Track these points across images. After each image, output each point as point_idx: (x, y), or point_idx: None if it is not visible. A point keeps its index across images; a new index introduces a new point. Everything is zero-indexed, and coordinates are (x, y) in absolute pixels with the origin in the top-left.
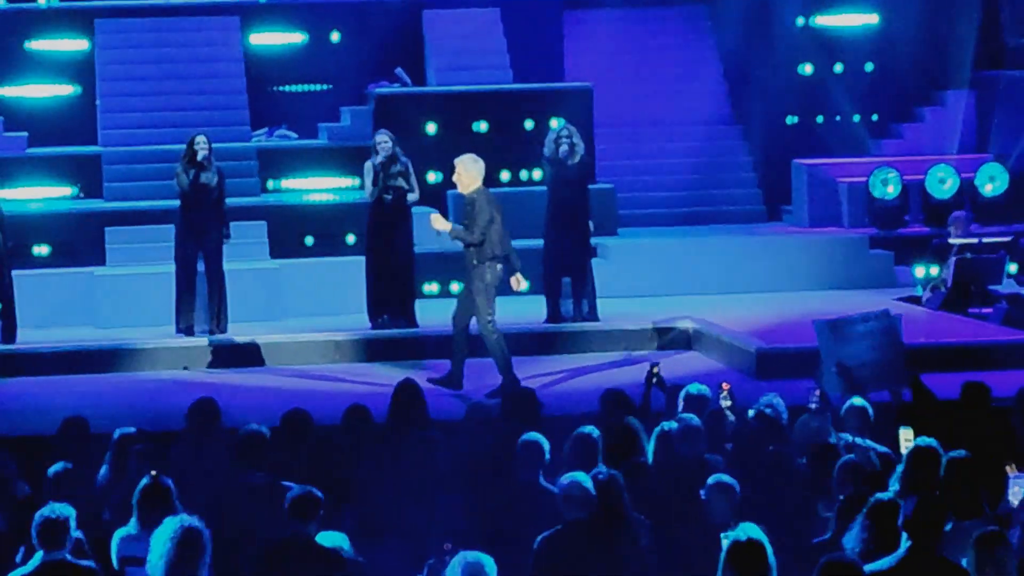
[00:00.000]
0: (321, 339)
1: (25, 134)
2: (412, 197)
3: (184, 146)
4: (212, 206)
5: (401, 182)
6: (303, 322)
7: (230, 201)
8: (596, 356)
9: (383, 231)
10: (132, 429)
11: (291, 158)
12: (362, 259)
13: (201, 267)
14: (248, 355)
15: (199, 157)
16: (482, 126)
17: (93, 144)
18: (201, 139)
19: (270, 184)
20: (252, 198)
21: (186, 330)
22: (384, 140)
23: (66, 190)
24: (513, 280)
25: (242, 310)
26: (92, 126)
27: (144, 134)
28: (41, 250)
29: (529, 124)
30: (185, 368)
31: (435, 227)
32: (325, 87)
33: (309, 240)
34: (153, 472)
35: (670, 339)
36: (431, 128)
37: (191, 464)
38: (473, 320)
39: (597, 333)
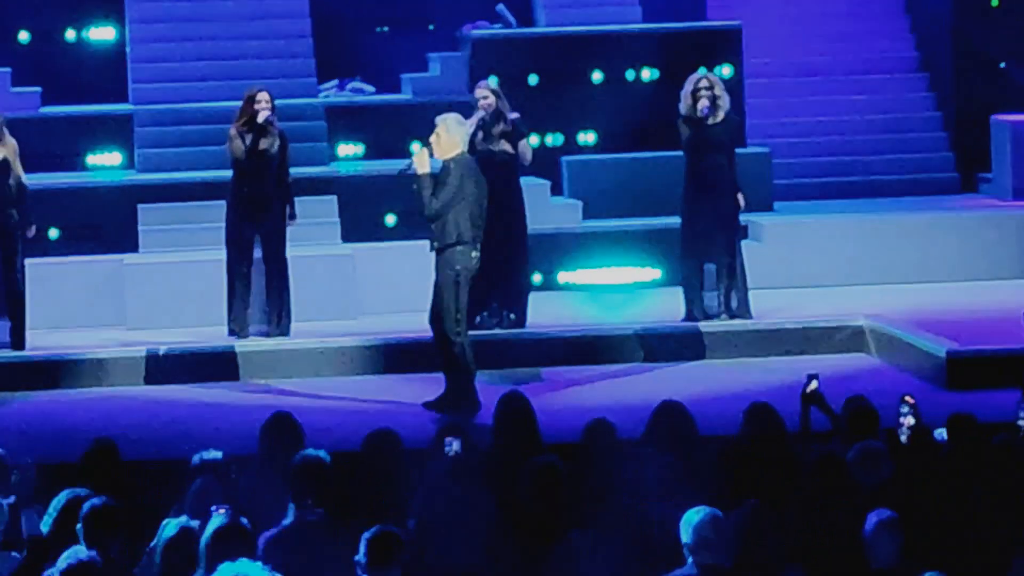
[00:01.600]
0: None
1: (38, 89)
2: (525, 159)
3: (239, 104)
4: (273, 178)
5: (505, 146)
6: (383, 321)
7: (293, 171)
8: (746, 362)
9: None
10: (218, 454)
11: (367, 117)
12: None
13: (258, 253)
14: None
15: (260, 118)
16: (595, 75)
17: (122, 101)
18: (263, 95)
19: (342, 150)
20: (319, 168)
21: (239, 332)
22: (485, 95)
23: (105, 158)
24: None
25: (308, 307)
26: (121, 78)
27: (185, 89)
28: (55, 233)
29: (658, 74)
30: None
31: (415, 161)
32: (409, 29)
33: (390, 219)
34: (222, 509)
35: (839, 341)
36: (534, 79)
37: (260, 497)
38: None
39: (748, 334)
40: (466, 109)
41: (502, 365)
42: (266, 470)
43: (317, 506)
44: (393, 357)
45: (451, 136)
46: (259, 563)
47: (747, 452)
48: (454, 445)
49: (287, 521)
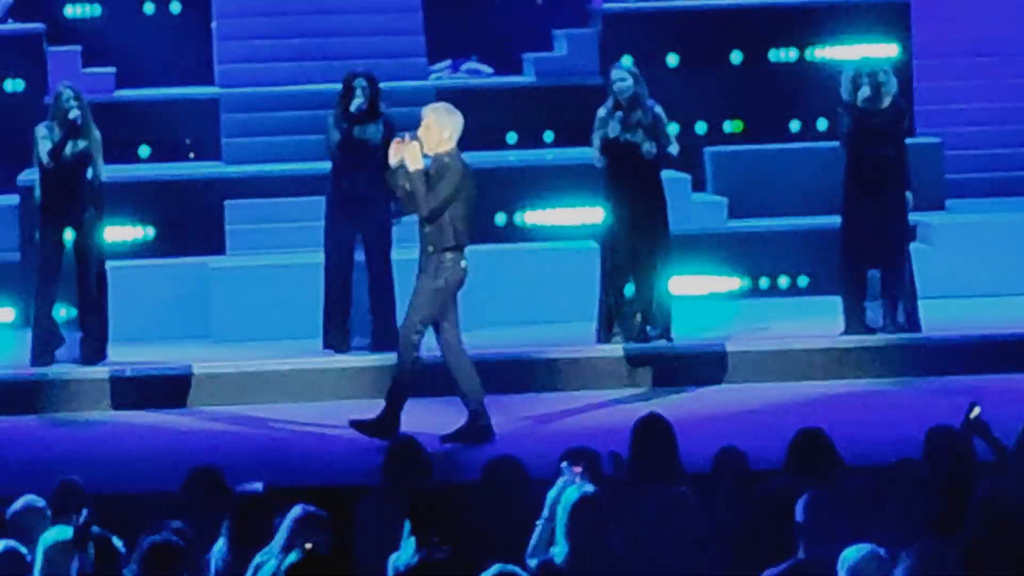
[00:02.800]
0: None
1: (112, 70)
2: (672, 149)
3: (338, 86)
4: (376, 172)
5: (643, 136)
6: (506, 334)
7: None
8: (913, 381)
9: (622, 202)
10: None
11: (485, 101)
12: (592, 245)
13: (360, 256)
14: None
15: (353, 105)
16: (740, 56)
17: (207, 84)
18: (360, 82)
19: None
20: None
21: (337, 346)
22: (623, 77)
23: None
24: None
25: None
26: (206, 59)
27: (280, 70)
28: (134, 233)
29: (818, 54)
30: None
31: (406, 155)
32: (532, 2)
33: (515, 217)
34: (308, 545)
35: (1021, 358)
36: (673, 59)
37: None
38: (451, 334)
39: (917, 350)
40: (597, 94)
41: (641, 383)
42: (389, 499)
43: (444, 542)
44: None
45: (441, 126)
46: None
47: (925, 483)
48: (576, 474)
49: (412, 559)
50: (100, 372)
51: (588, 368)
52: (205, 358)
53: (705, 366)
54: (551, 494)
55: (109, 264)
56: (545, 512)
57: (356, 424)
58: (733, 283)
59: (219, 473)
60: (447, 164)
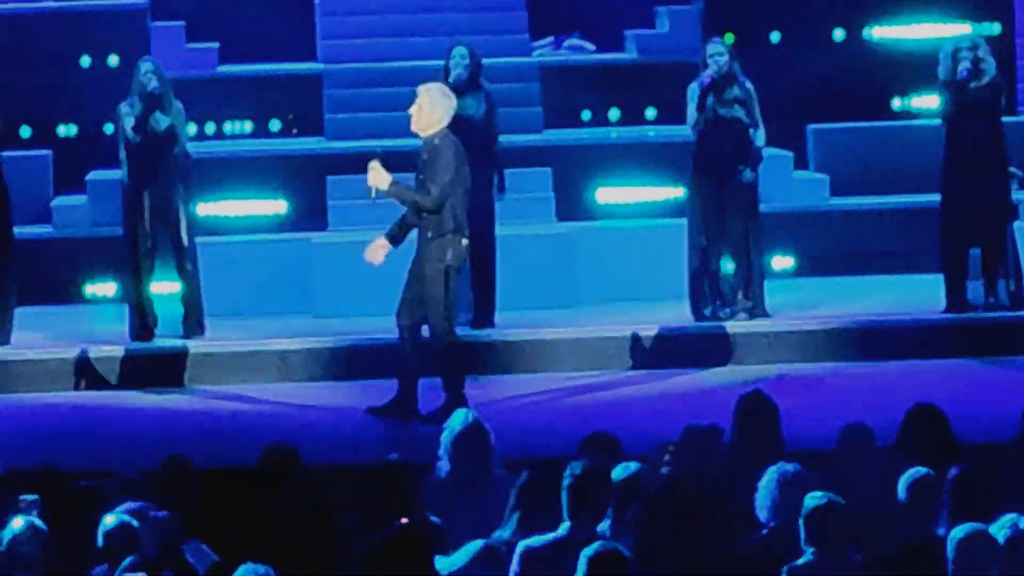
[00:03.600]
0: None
1: (215, 46)
2: (757, 137)
3: (440, 62)
4: (476, 147)
5: (739, 112)
6: (604, 311)
7: (502, 140)
8: (1016, 360)
9: (716, 179)
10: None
11: (587, 79)
12: (686, 222)
13: None
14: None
15: (452, 76)
16: (841, 32)
17: (310, 60)
18: (459, 50)
19: (555, 116)
20: (533, 136)
21: None
22: (719, 52)
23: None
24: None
25: (519, 294)
26: (309, 34)
27: (382, 46)
28: (236, 208)
29: (918, 32)
30: None
31: (369, 182)
32: None
33: (602, 196)
34: (404, 520)
35: None
36: (774, 36)
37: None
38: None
39: (1021, 328)
40: (692, 70)
41: (736, 361)
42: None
43: (596, 520)
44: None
45: (434, 107)
46: None
47: None
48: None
49: (561, 534)
50: (201, 346)
51: (684, 346)
52: (306, 333)
53: (803, 344)
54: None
55: (213, 239)
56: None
57: (431, 416)
58: (832, 260)
59: (295, 451)
60: (439, 147)
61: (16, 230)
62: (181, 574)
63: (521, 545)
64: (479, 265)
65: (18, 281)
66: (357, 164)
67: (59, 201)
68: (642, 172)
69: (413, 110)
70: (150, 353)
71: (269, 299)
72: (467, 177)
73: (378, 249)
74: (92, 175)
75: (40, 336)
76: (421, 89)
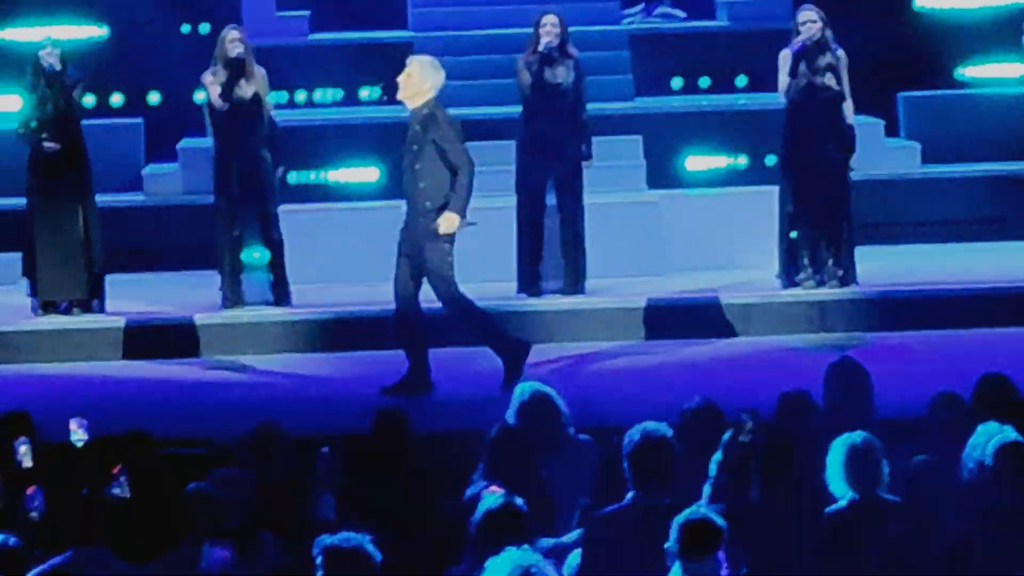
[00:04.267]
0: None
1: (306, 14)
2: (845, 107)
3: (530, 31)
4: (567, 115)
5: (831, 80)
6: (691, 280)
7: (592, 108)
8: None
9: (807, 146)
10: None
11: (677, 47)
12: (777, 189)
13: (552, 200)
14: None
15: (541, 45)
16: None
17: (400, 28)
18: (549, 18)
19: (646, 84)
20: (623, 103)
21: (529, 290)
22: (812, 18)
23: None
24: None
25: (610, 262)
26: (400, 2)
27: (471, 13)
28: (328, 177)
29: None
30: None
31: (443, 230)
32: None
33: (692, 163)
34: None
35: None
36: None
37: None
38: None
39: None
40: (784, 37)
41: (823, 328)
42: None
43: (661, 488)
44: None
45: (424, 78)
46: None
47: None
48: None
49: (625, 502)
50: (287, 314)
51: (775, 313)
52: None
53: (894, 311)
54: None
55: (305, 207)
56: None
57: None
58: (924, 228)
59: (405, 416)
60: (433, 116)
61: (108, 198)
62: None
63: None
64: (569, 232)
65: (106, 249)
66: None
67: (150, 169)
68: (733, 140)
69: (401, 79)
70: (241, 321)
71: (360, 266)
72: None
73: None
74: (183, 143)
75: (133, 303)
76: (412, 59)
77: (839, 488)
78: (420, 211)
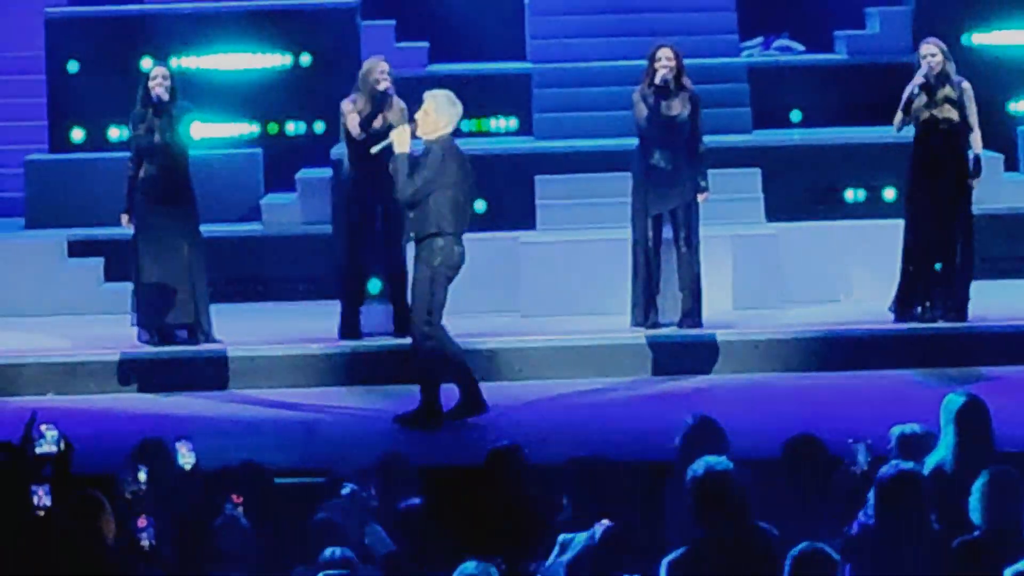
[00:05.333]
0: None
1: (425, 45)
2: (972, 138)
3: (646, 62)
4: (683, 147)
5: (951, 112)
6: (813, 312)
7: (711, 140)
8: None
9: (927, 179)
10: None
11: (796, 79)
12: (901, 223)
13: (668, 233)
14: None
15: (657, 78)
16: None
17: (519, 59)
18: (664, 51)
19: (764, 117)
20: (741, 136)
21: (643, 323)
22: (933, 52)
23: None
24: None
25: (728, 294)
26: (518, 33)
27: (590, 45)
28: None
29: None
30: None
31: (393, 136)
32: None
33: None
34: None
35: None
36: (976, 39)
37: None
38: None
39: None
40: (910, 72)
41: (938, 363)
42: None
43: (727, 521)
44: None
45: (439, 115)
46: None
47: None
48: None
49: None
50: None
51: (877, 345)
52: (513, 332)
53: (1009, 345)
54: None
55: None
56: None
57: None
58: None
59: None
60: (432, 151)
61: (226, 227)
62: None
63: (664, 562)
64: (685, 265)
65: (220, 279)
66: (565, 163)
67: (269, 199)
68: (852, 173)
69: (419, 115)
70: (358, 351)
71: (477, 297)
72: (457, 180)
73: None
74: (301, 173)
75: (249, 333)
76: (428, 95)
77: (978, 518)
78: (413, 241)
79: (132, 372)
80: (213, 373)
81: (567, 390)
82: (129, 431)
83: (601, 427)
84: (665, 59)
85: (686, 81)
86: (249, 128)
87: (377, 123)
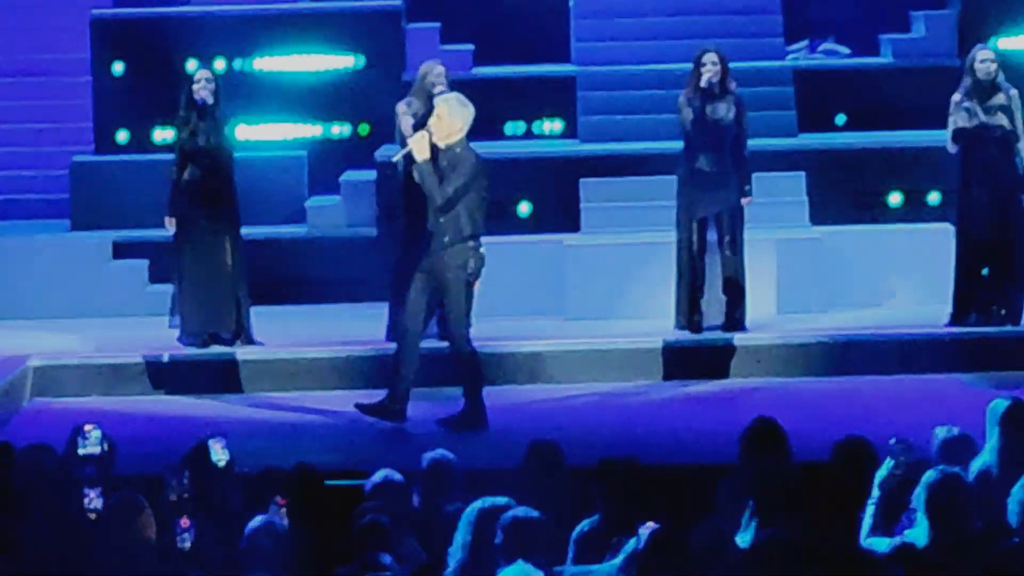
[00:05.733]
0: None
1: (470, 47)
2: (1020, 147)
3: (691, 66)
4: (727, 151)
5: (1002, 119)
6: (857, 316)
7: (755, 144)
8: None
9: (978, 185)
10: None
11: (841, 83)
12: (948, 227)
13: (712, 236)
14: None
15: (703, 82)
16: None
17: (564, 62)
18: (710, 56)
19: (809, 120)
20: (787, 139)
21: (688, 325)
22: (989, 57)
23: (545, 125)
24: None
25: (772, 298)
26: (563, 36)
27: (635, 49)
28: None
29: None
30: None
31: (411, 144)
32: None
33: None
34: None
35: None
36: (1002, 43)
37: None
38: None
39: None
40: (955, 76)
41: (989, 367)
42: (740, 480)
43: (789, 522)
44: None
45: (453, 119)
46: None
47: None
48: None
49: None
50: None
51: (934, 350)
52: (557, 335)
53: None
54: (880, 474)
55: None
56: (875, 492)
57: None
58: None
59: (557, 448)
60: (460, 155)
61: (271, 230)
62: None
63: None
64: (730, 268)
65: (264, 281)
66: (610, 167)
67: (313, 201)
68: (897, 177)
69: (433, 121)
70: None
71: (522, 300)
72: (483, 184)
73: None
74: (346, 175)
75: (292, 335)
76: (439, 100)
77: (1016, 521)
78: (438, 245)
79: (174, 374)
80: (255, 375)
81: (608, 392)
82: (171, 433)
83: (640, 429)
84: (710, 63)
85: (731, 85)
86: (294, 131)
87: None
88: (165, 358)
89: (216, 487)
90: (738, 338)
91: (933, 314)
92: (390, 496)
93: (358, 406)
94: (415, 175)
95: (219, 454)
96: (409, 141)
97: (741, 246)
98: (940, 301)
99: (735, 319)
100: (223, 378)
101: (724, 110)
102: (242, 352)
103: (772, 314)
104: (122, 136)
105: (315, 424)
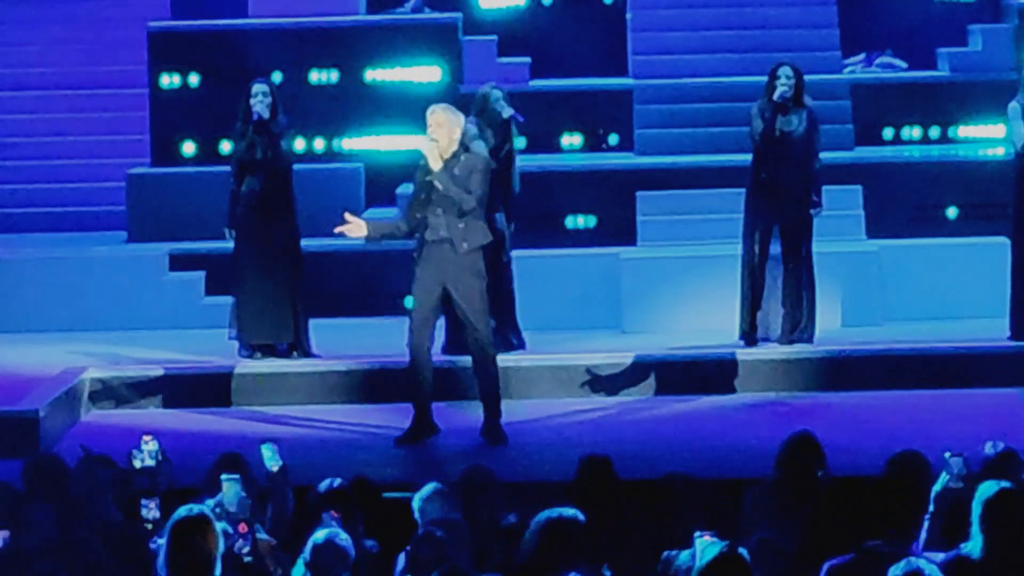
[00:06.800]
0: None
1: (527, 60)
2: None
3: (749, 79)
4: (796, 163)
5: None
6: (914, 329)
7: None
8: None
9: None
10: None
11: (899, 97)
12: (1005, 241)
13: (776, 249)
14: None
15: (777, 94)
16: None
17: (621, 75)
18: (785, 69)
19: (866, 134)
20: (844, 153)
21: (748, 339)
22: None
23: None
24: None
25: (830, 311)
26: (620, 49)
27: (691, 62)
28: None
29: None
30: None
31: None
32: None
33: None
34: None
35: None
36: None
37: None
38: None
39: None
40: (1012, 89)
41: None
42: (781, 491)
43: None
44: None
45: (452, 126)
46: None
47: None
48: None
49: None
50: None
51: (993, 364)
52: (614, 348)
53: None
54: (936, 487)
55: (523, 253)
56: (931, 507)
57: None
58: None
59: (608, 463)
60: (471, 159)
61: (328, 242)
62: None
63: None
64: (793, 280)
65: (318, 293)
66: (666, 179)
67: (369, 213)
68: (954, 190)
69: (434, 132)
70: (460, 365)
71: (579, 314)
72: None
73: (357, 228)
74: (402, 188)
75: (349, 348)
76: (429, 111)
77: None
78: (453, 253)
79: (232, 386)
80: (312, 388)
81: (671, 404)
82: (227, 446)
83: (702, 443)
84: (784, 76)
85: (806, 99)
86: (349, 143)
87: (503, 151)
88: (223, 370)
89: (274, 492)
90: (793, 351)
91: (991, 328)
92: (440, 508)
93: (398, 443)
94: (438, 185)
95: (271, 460)
96: (422, 148)
97: (807, 259)
98: (999, 315)
99: (801, 331)
100: (280, 390)
101: (795, 123)
102: (299, 365)
103: (836, 328)
104: (188, 148)
105: (373, 435)
